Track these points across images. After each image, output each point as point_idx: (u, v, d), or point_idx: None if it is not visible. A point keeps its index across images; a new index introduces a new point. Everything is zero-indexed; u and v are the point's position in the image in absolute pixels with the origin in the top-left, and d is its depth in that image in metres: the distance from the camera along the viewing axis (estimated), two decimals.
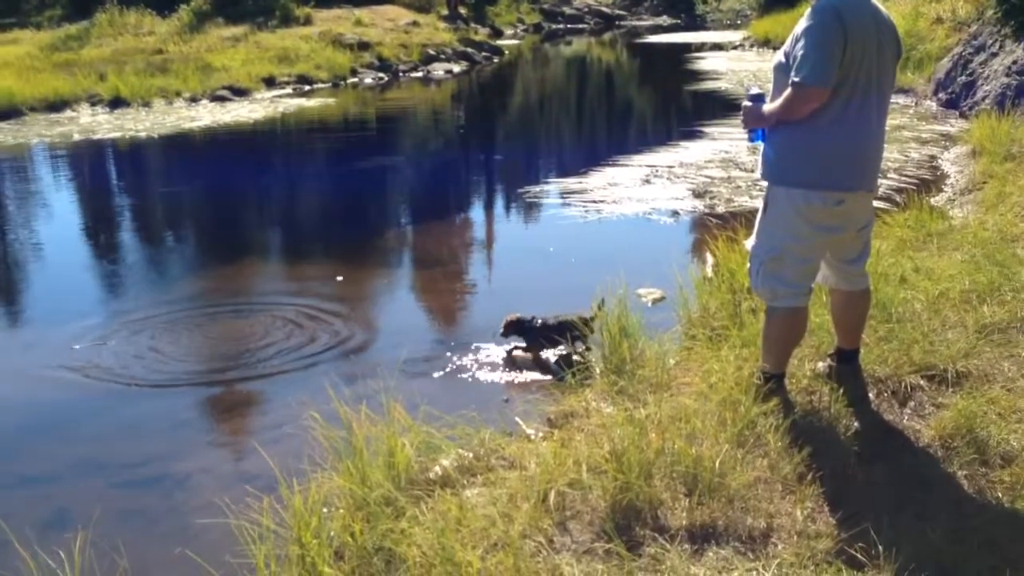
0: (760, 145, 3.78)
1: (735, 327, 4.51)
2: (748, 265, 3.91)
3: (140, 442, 4.47)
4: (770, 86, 3.73)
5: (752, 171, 9.85)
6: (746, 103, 3.74)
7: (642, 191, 9.39)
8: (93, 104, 16.52)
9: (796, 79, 3.39)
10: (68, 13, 31.27)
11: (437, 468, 3.54)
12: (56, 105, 16.20)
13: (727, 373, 3.90)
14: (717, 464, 3.16)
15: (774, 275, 3.70)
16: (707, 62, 23.82)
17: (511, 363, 5.23)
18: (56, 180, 12.05)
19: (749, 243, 3.91)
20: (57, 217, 9.91)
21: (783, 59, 3.55)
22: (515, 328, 5.36)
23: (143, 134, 13.96)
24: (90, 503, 3.89)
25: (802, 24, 3.47)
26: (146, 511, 3.85)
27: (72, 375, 5.21)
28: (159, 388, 5.12)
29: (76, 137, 13.79)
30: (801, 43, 3.40)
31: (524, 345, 5.36)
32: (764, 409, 3.56)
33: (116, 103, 16.52)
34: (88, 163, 12.88)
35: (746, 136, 3.88)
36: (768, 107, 3.63)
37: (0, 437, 4.55)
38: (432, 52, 24.13)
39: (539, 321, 5.33)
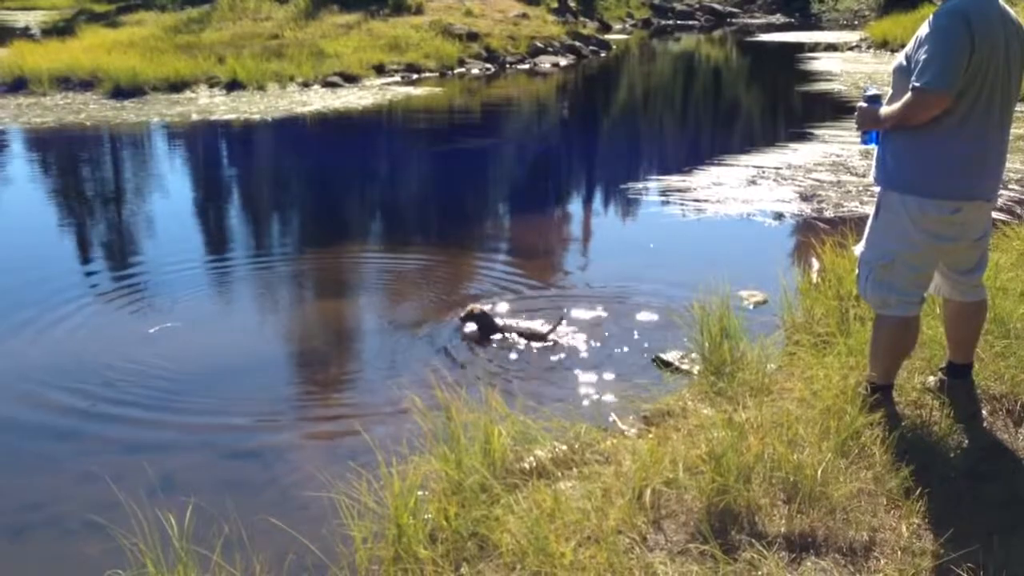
0: (873, 148, 3.69)
1: (841, 335, 4.39)
2: (857, 271, 3.81)
3: (243, 415, 4.60)
4: (888, 89, 3.63)
5: (863, 176, 9.58)
6: (862, 104, 3.64)
7: (747, 192, 9.22)
8: (211, 86, 17.05)
9: (918, 84, 3.28)
10: None
11: (531, 458, 3.56)
12: (177, 85, 16.78)
13: (832, 381, 3.81)
14: (819, 473, 3.09)
15: (884, 282, 3.60)
16: (820, 63, 23.21)
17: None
18: (173, 157, 12.57)
19: (858, 249, 3.82)
20: (173, 191, 10.34)
21: (904, 62, 3.44)
22: (476, 320, 5.51)
23: (257, 116, 14.37)
24: (195, 471, 4.06)
25: (927, 27, 3.36)
26: (248, 482, 3.98)
27: (174, 348, 5.42)
28: (261, 362, 5.29)
29: (194, 117, 14.28)
30: (925, 47, 3.29)
31: (479, 335, 5.49)
32: (870, 420, 3.47)
33: (233, 86, 17.01)
34: (204, 142, 13.38)
35: (859, 138, 3.80)
36: (886, 110, 3.52)
37: (107, 404, 4.73)
38: (540, 45, 24.13)
39: (501, 323, 5.53)
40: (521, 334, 5.48)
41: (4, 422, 4.55)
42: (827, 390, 3.73)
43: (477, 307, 5.60)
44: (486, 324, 5.51)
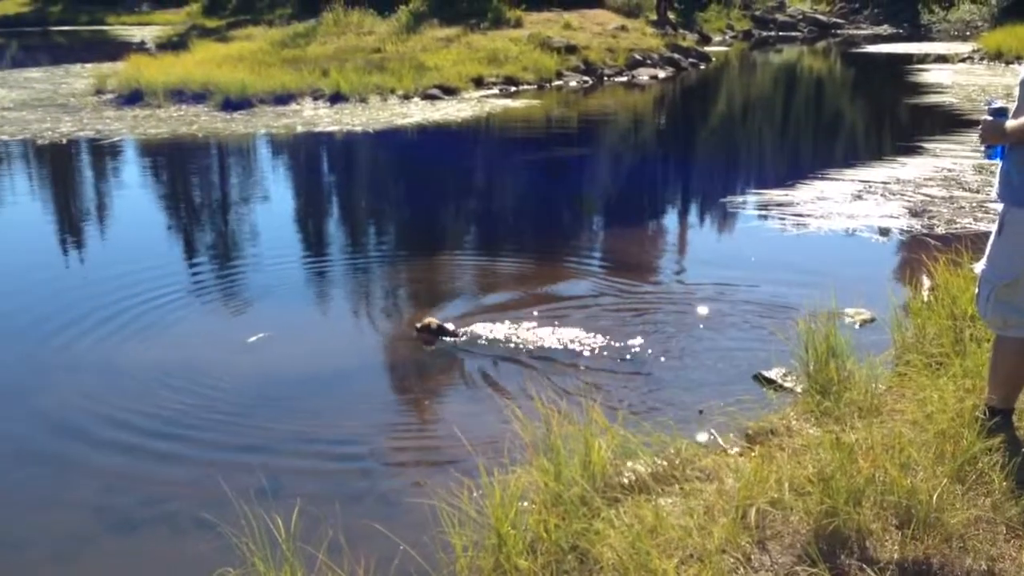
0: (997, 163, 3.55)
1: (956, 355, 4.23)
2: (976, 290, 3.67)
3: (345, 422, 4.70)
4: (1011, 102, 3.49)
5: (977, 192, 9.25)
6: (987, 117, 3.51)
7: (853, 207, 8.99)
8: (315, 98, 17.48)
9: None
10: (297, 12, 33.39)
11: (631, 473, 3.52)
12: (283, 98, 17.25)
13: (947, 403, 3.67)
14: (934, 498, 2.98)
15: (1007, 302, 3.46)
16: (930, 74, 22.50)
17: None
18: (279, 166, 12.98)
19: (978, 267, 3.67)
20: (278, 198, 10.70)
21: None
22: (431, 331, 5.71)
23: (359, 128, 14.67)
24: (300, 475, 4.16)
25: None
26: (351, 487, 4.05)
27: (275, 355, 5.59)
28: (361, 369, 5.42)
29: (299, 129, 14.67)
30: None
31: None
32: (988, 445, 3.32)
33: (336, 98, 17.40)
34: (308, 152, 13.75)
35: (983, 152, 3.66)
36: (1012, 123, 3.38)
37: (226, 407, 4.88)
38: (638, 57, 24.02)
39: (452, 329, 5.72)
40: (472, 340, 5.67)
41: (120, 420, 4.73)
42: (942, 413, 3.60)
43: (435, 322, 5.76)
44: (443, 334, 5.69)
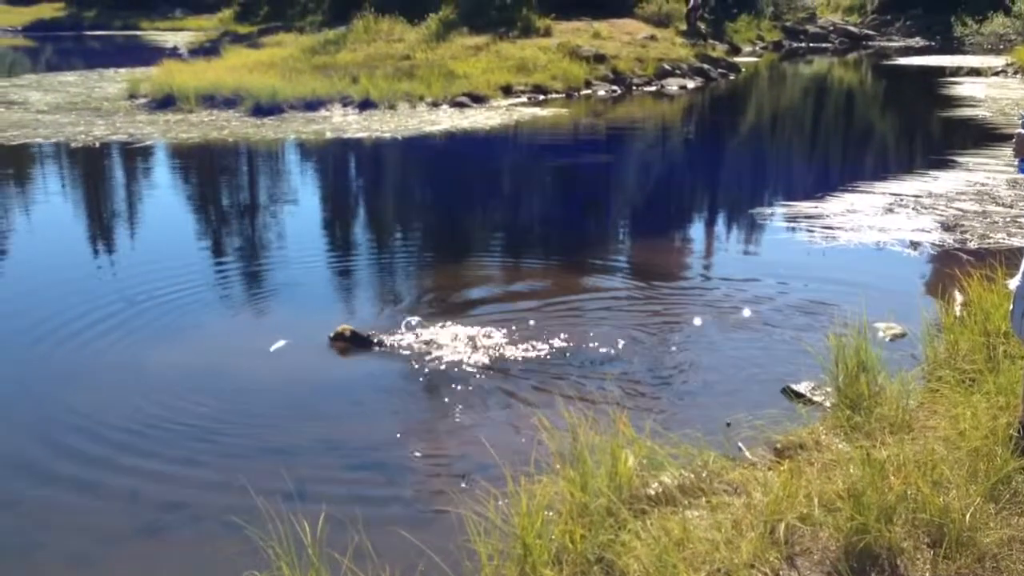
0: None
1: (990, 372, 4.17)
2: (1011, 307, 3.62)
3: (372, 427, 4.72)
4: None
5: (1011, 207, 9.13)
6: (1020, 131, 3.47)
7: (884, 220, 8.91)
8: (345, 105, 17.57)
9: None
10: (328, 19, 33.63)
11: (658, 485, 3.50)
12: (312, 104, 17.33)
13: (979, 421, 3.62)
14: (967, 517, 2.94)
15: None
16: (963, 88, 22.27)
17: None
18: (307, 172, 13.07)
19: (1013, 283, 3.62)
20: (305, 203, 10.79)
21: None
22: (348, 339, 5.76)
23: (387, 135, 14.73)
24: (327, 481, 4.17)
25: None
26: (377, 493, 4.06)
27: (298, 361, 5.62)
28: (387, 375, 5.41)
29: (328, 135, 14.75)
30: None
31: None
32: (1022, 464, 3.27)
33: (365, 105, 17.48)
34: (336, 159, 13.85)
35: (1016, 165, 3.62)
36: None
37: (255, 413, 4.91)
38: (667, 67, 23.96)
39: (374, 339, 5.77)
40: (396, 347, 5.70)
41: (146, 425, 4.76)
42: (975, 430, 3.55)
43: (348, 329, 5.79)
44: (358, 340, 5.74)
